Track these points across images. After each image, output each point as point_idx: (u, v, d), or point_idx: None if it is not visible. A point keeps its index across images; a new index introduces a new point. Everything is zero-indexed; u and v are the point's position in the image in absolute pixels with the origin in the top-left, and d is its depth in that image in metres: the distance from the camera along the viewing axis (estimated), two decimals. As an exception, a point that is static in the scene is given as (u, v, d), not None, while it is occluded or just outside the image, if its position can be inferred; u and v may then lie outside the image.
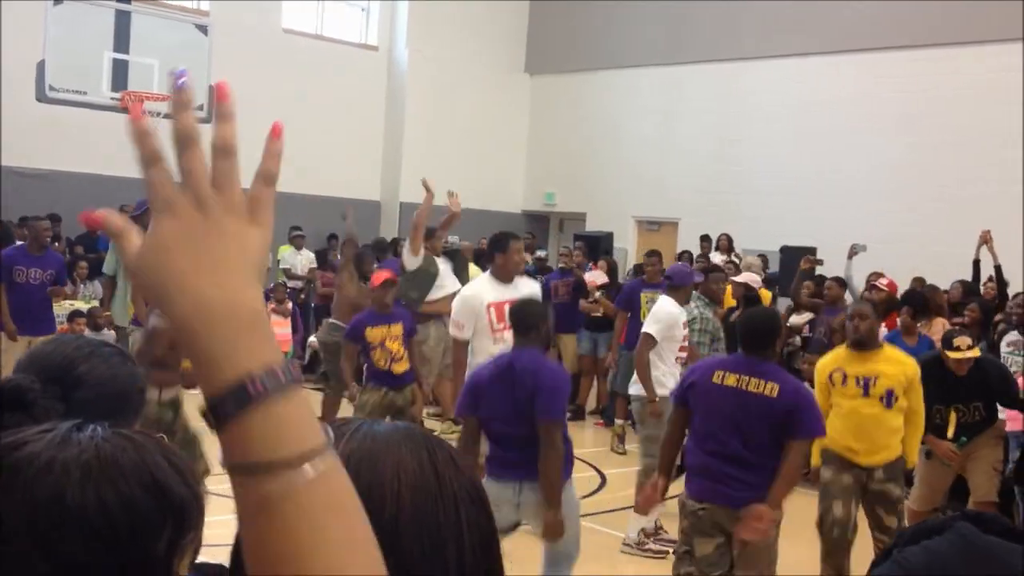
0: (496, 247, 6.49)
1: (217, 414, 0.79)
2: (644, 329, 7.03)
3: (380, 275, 7.85)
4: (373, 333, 7.43)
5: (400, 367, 7.46)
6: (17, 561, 0.93)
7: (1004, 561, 0.91)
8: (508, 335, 5.85)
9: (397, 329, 7.47)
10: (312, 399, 8.78)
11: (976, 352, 6.54)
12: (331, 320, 9.40)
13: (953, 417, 6.52)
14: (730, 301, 9.52)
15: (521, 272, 6.77)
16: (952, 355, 6.35)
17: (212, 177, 0.83)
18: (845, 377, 5.66)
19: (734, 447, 4.73)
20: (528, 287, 6.57)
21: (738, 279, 9.65)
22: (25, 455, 0.98)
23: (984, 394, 6.55)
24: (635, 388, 7.11)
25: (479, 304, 6.27)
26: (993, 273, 9.84)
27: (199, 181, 0.82)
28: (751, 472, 4.72)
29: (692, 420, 4.96)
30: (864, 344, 5.67)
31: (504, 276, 6.40)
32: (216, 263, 0.81)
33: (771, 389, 4.71)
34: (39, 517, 0.94)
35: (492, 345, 6.14)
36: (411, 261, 9.05)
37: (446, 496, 0.96)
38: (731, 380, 4.78)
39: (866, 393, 5.61)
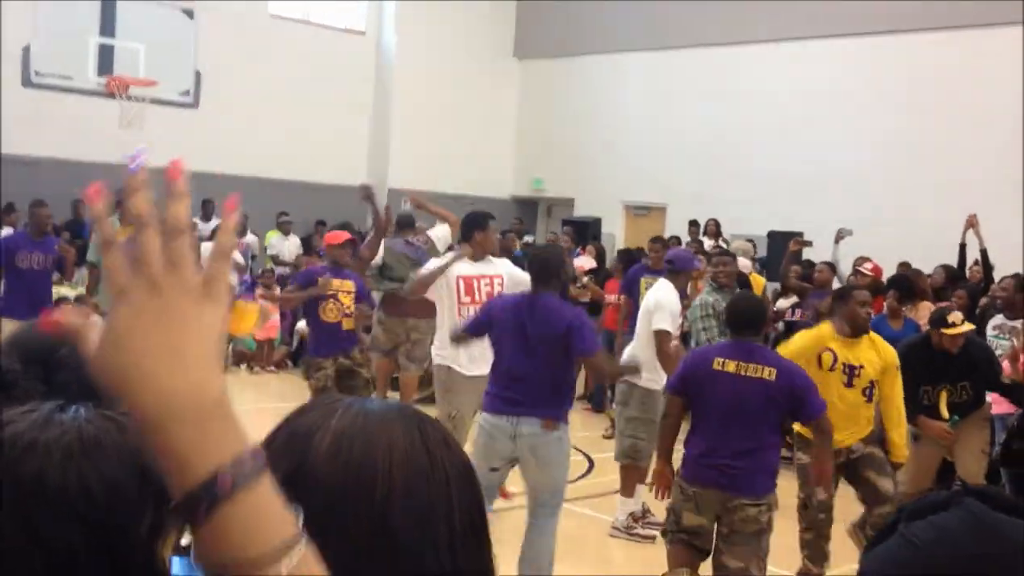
0: (475, 225, 6.56)
1: (190, 514, 0.77)
2: (659, 326, 6.71)
3: (340, 235, 7.79)
4: (327, 282, 7.40)
5: (349, 323, 7.43)
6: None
7: (1014, 538, 0.91)
8: (471, 311, 6.09)
9: (349, 284, 7.48)
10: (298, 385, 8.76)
11: (970, 325, 6.61)
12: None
13: (944, 396, 6.56)
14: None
15: (496, 253, 6.88)
16: (948, 332, 6.36)
17: (165, 257, 0.80)
18: (835, 361, 5.62)
19: (734, 434, 4.80)
20: (504, 265, 6.68)
21: None
22: (7, 436, 0.97)
23: (971, 374, 6.58)
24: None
25: (450, 274, 6.43)
26: (979, 257, 9.88)
27: (152, 263, 0.79)
28: (748, 459, 4.81)
29: (692, 408, 5.04)
30: (866, 331, 5.72)
31: (479, 254, 6.52)
32: (174, 350, 0.78)
33: (769, 373, 4.83)
34: (21, 498, 0.94)
35: (455, 319, 6.25)
36: (444, 241, 9.09)
37: (437, 475, 0.96)
38: (731, 367, 4.86)
39: (850, 383, 5.59)
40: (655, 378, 6.67)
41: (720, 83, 16.28)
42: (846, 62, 14.84)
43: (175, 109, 14.31)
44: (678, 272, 7.04)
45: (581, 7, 17.95)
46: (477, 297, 6.34)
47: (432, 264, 6.80)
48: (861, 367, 5.59)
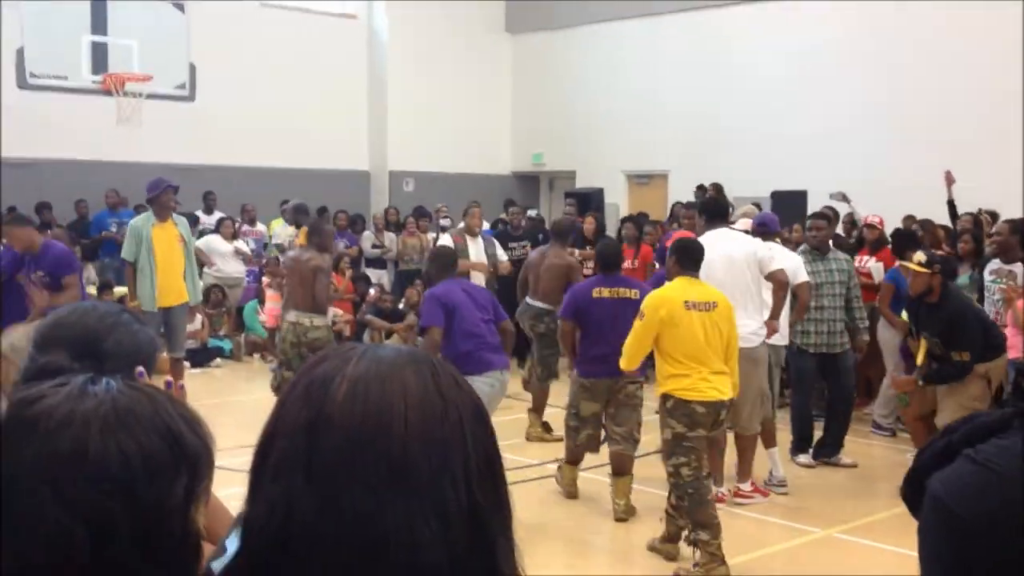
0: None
1: None
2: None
3: None
4: None
5: None
6: (36, 514, 0.94)
7: None
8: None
9: None
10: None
11: (920, 268, 6.73)
12: (532, 302, 9.04)
13: (923, 345, 6.67)
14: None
15: None
16: (906, 264, 6.77)
17: None
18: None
19: (615, 339, 6.17)
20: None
21: (737, 227, 9.67)
22: (43, 408, 0.99)
23: (942, 330, 6.65)
24: None
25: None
26: (947, 208, 10.03)
27: None
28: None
29: (583, 327, 6.77)
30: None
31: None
32: None
33: (634, 293, 6.67)
34: (60, 470, 0.95)
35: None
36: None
37: (451, 415, 1.00)
38: (607, 293, 6.74)
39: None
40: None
41: (715, 46, 16.20)
42: (844, 20, 14.74)
43: (172, 103, 14.30)
44: (768, 234, 7.56)
45: (572, -22, 17.84)
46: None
47: None
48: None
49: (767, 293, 6.94)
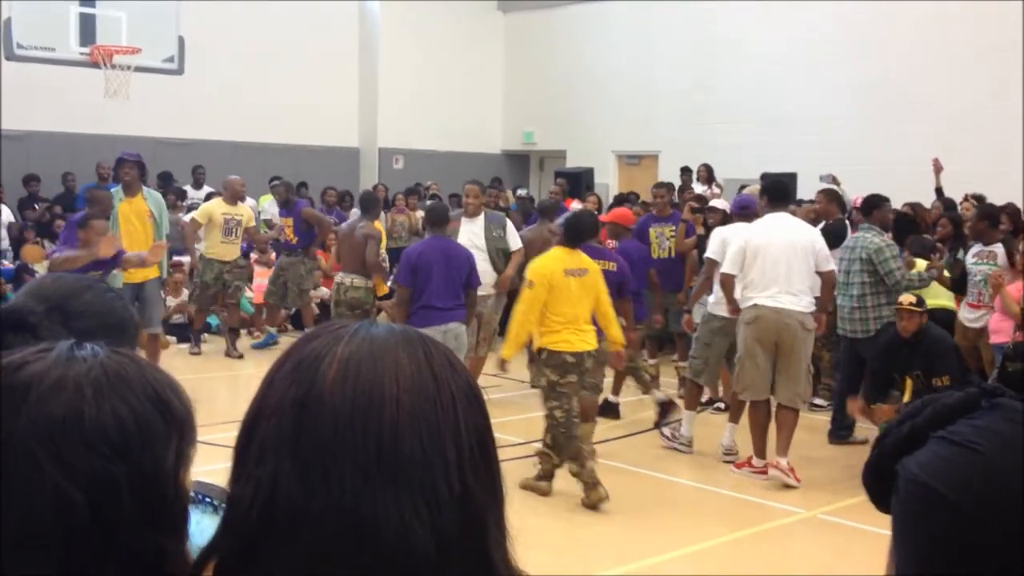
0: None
1: None
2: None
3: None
4: None
5: None
6: (35, 480, 0.92)
7: None
8: None
9: None
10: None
11: (915, 308, 6.80)
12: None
13: (909, 384, 6.74)
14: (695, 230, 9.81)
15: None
16: (901, 305, 6.83)
17: None
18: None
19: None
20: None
21: (716, 204, 9.70)
22: (31, 373, 0.97)
23: (923, 364, 6.68)
24: (715, 308, 7.68)
25: None
26: (935, 195, 10.08)
27: None
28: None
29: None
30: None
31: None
32: None
33: (611, 266, 7.24)
34: (56, 435, 0.94)
35: None
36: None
37: (444, 397, 0.97)
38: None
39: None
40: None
41: (707, 27, 16.16)
42: (836, 2, 14.70)
43: (160, 76, 14.19)
44: (751, 216, 7.66)
45: (565, -44, 17.75)
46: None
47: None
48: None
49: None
